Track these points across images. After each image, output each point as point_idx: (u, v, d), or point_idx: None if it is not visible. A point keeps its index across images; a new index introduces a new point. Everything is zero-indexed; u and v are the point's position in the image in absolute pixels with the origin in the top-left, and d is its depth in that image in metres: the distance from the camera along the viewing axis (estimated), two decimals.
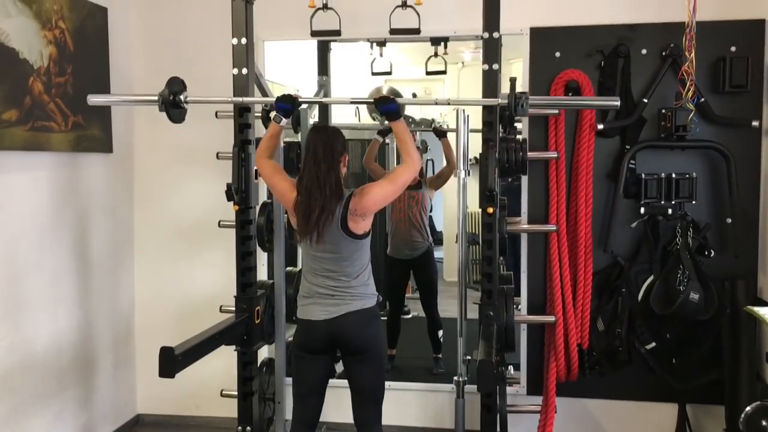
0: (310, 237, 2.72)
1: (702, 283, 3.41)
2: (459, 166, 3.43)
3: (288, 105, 2.86)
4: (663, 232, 3.59)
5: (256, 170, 3.25)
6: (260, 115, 3.41)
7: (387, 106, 2.75)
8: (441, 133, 4.65)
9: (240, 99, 3.11)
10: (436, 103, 3.07)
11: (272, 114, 2.92)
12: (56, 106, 3.42)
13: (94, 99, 3.09)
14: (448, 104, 3.12)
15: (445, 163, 4.75)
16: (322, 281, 2.80)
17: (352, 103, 2.98)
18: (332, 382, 2.99)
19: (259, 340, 3.30)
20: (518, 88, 3.74)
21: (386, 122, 2.93)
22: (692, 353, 3.58)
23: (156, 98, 2.92)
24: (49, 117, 3.37)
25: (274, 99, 2.91)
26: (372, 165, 4.65)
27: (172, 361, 2.56)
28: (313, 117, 4.50)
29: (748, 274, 3.57)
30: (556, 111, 3.59)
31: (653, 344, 3.56)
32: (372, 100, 2.83)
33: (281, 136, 3.04)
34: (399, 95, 5.83)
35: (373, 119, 5.78)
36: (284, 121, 2.88)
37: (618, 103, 2.81)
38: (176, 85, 2.96)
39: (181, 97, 2.95)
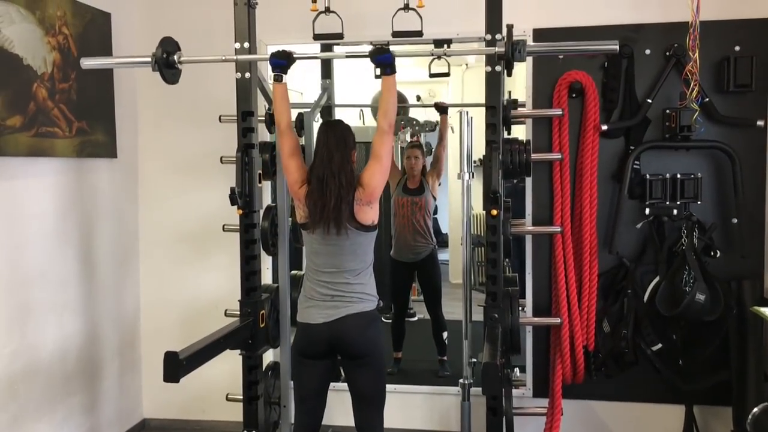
0: (324, 227, 2.71)
1: (708, 284, 3.39)
2: (462, 168, 3.43)
3: (283, 60, 2.82)
4: (668, 232, 3.58)
5: (259, 174, 3.25)
6: (263, 119, 3.42)
7: (382, 56, 2.72)
8: (442, 109, 4.68)
9: (235, 57, 3.06)
10: (432, 54, 2.99)
11: (270, 74, 2.89)
12: (60, 111, 3.43)
13: (87, 62, 3.04)
14: (444, 54, 3.04)
15: (437, 142, 4.81)
16: (324, 278, 2.79)
17: (348, 57, 2.92)
18: (337, 385, 2.98)
19: (263, 344, 3.29)
20: (521, 90, 3.80)
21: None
22: (699, 354, 3.56)
23: (149, 59, 2.88)
24: (53, 123, 3.38)
25: (266, 57, 2.87)
26: None
27: (176, 366, 2.55)
28: (317, 121, 4.49)
29: (755, 275, 3.55)
30: (560, 112, 3.59)
31: (659, 345, 3.55)
32: (367, 53, 2.76)
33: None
34: (403, 96, 5.86)
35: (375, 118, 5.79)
36: (284, 77, 2.85)
37: (617, 47, 2.77)
38: (169, 45, 2.91)
39: (175, 57, 2.92)
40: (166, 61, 2.89)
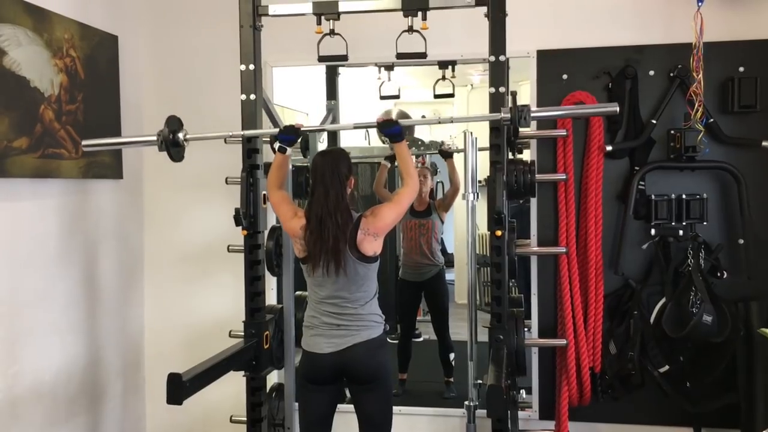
0: (324, 266, 2.73)
1: (715, 305, 3.37)
2: (467, 188, 3.43)
3: (291, 136, 2.91)
4: (674, 253, 3.56)
5: (264, 195, 3.26)
6: (268, 139, 3.43)
7: (390, 129, 2.82)
8: (447, 155, 4.71)
9: (242, 132, 3.13)
10: (440, 122, 3.11)
11: (276, 145, 2.96)
12: (67, 133, 3.44)
13: (88, 143, 3.10)
14: (452, 122, 3.14)
15: (449, 185, 4.83)
16: (328, 308, 2.80)
17: (356, 128, 3.01)
18: (342, 407, 2.96)
19: (268, 366, 3.28)
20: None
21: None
22: (706, 376, 3.53)
23: (155, 138, 2.91)
24: (59, 144, 3.39)
25: (274, 131, 2.97)
26: (382, 191, 4.72)
27: (179, 388, 2.54)
28: (322, 141, 4.51)
29: (762, 296, 3.51)
30: (564, 132, 3.59)
31: (666, 367, 3.52)
32: (376, 124, 2.88)
33: (289, 162, 3.08)
34: (407, 116, 5.87)
35: (383, 142, 5.80)
36: (289, 150, 2.93)
37: (617, 109, 2.82)
38: (174, 124, 2.95)
39: (180, 135, 2.95)
40: (173, 141, 2.93)
